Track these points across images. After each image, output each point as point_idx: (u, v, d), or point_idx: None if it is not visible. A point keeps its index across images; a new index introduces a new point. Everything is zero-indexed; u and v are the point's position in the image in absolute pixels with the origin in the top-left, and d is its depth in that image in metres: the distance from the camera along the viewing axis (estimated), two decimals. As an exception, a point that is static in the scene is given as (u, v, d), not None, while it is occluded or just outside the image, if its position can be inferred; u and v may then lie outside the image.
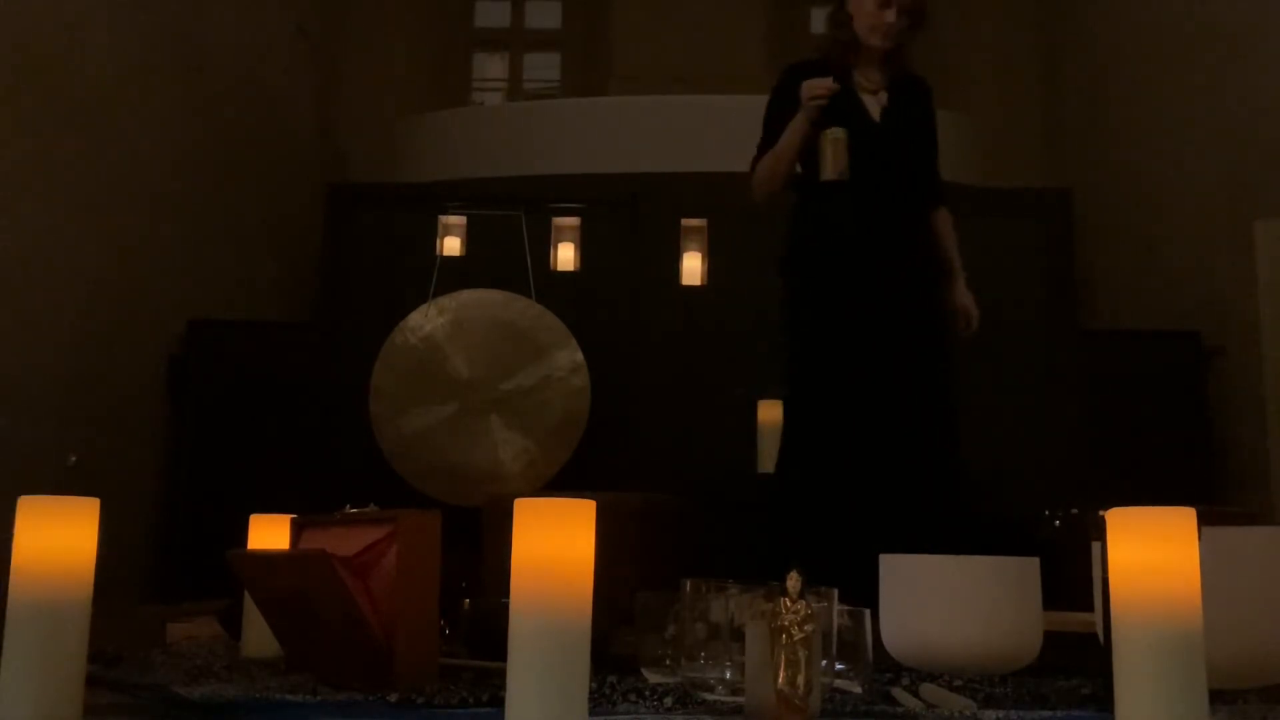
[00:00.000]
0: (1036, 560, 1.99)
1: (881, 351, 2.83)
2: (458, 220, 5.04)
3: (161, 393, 4.60)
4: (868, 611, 1.77)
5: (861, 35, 2.94)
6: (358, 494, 2.15)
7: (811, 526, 2.69)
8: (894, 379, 2.82)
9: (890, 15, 2.89)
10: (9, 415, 3.54)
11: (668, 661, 1.78)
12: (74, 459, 3.83)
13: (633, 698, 1.60)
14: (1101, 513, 1.35)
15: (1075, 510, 3.35)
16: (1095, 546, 1.91)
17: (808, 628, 1.38)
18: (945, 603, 1.92)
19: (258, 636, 2.10)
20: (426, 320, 4.51)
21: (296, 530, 2.02)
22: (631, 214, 4.88)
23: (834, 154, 2.82)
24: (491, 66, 7.49)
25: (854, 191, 2.85)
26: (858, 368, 2.82)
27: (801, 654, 1.37)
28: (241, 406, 4.66)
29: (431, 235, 4.97)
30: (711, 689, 1.62)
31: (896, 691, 1.70)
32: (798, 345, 2.92)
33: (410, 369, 4.47)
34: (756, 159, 3.02)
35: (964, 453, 2.89)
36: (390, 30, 6.91)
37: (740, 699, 1.52)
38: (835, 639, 1.67)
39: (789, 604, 1.38)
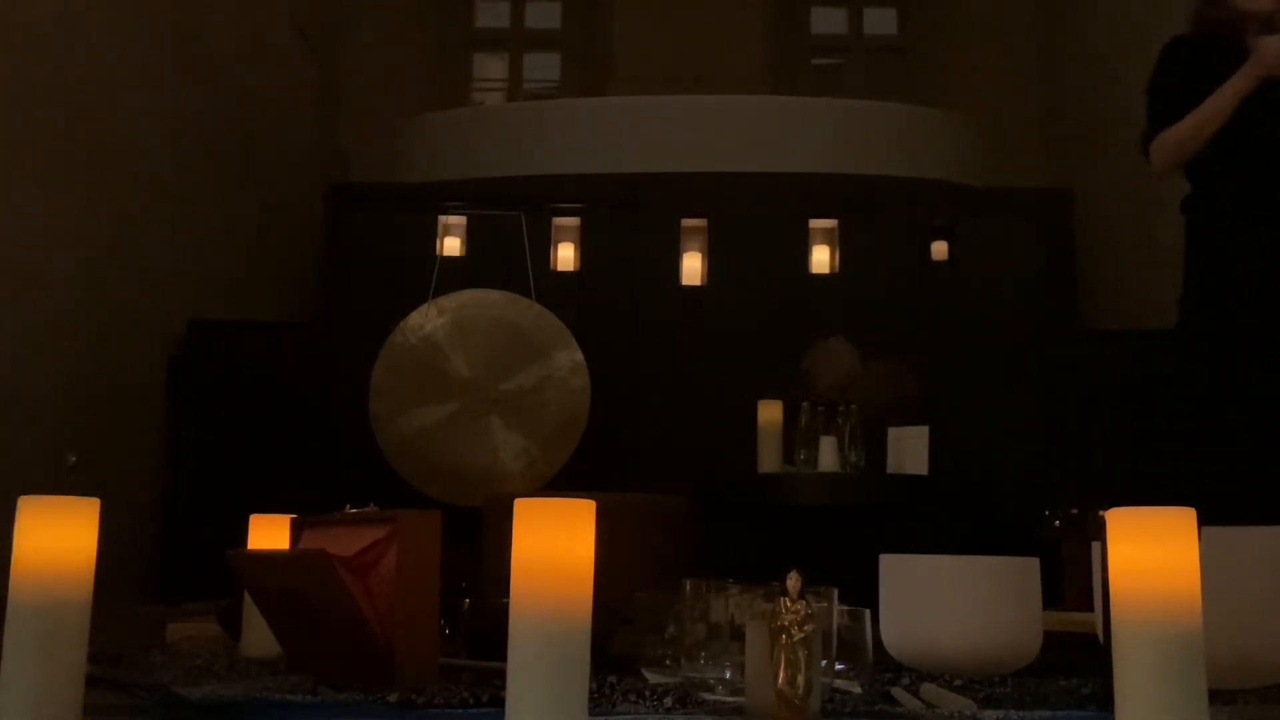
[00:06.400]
0: (1036, 560, 1.99)
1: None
2: (458, 220, 5.05)
3: (161, 393, 4.60)
4: (868, 611, 1.78)
5: (1244, 6, 2.81)
6: (358, 494, 2.15)
7: None
8: None
9: None
10: (9, 415, 3.54)
11: (668, 661, 1.78)
12: (74, 459, 3.83)
13: (633, 698, 1.60)
14: (1101, 513, 1.35)
15: (1075, 510, 3.35)
16: (1095, 546, 1.92)
17: (808, 628, 1.38)
18: (945, 603, 1.92)
19: (258, 636, 2.09)
20: (426, 320, 4.51)
21: (296, 530, 2.02)
22: (631, 214, 4.88)
23: None
24: (491, 66, 7.49)
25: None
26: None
27: (801, 654, 1.37)
28: (241, 406, 4.65)
29: (431, 235, 4.97)
30: (711, 689, 1.62)
31: (896, 691, 1.70)
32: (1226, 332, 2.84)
33: (410, 369, 4.46)
34: (1151, 134, 2.89)
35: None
36: (390, 30, 6.91)
37: (740, 699, 1.52)
38: (835, 639, 1.67)
39: (789, 604, 1.38)
